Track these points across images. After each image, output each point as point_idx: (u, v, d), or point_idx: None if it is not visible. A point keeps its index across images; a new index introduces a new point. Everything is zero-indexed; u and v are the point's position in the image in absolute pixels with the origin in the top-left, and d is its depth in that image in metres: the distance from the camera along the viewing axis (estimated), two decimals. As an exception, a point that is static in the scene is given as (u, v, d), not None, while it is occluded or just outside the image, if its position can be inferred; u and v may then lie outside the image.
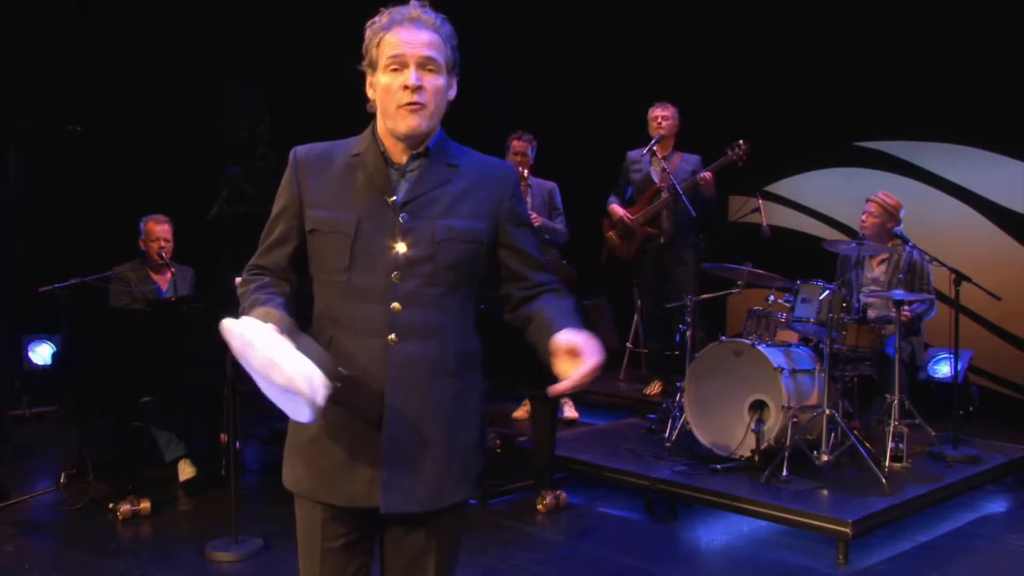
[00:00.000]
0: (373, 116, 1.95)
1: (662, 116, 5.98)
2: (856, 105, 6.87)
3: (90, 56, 6.90)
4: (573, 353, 1.76)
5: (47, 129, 6.80)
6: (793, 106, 7.06)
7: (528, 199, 5.86)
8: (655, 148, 5.87)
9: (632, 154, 6.20)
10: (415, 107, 1.84)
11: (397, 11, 1.88)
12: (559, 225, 5.96)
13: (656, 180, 6.08)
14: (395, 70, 1.85)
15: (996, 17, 6.22)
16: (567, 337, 1.77)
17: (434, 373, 1.88)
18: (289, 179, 1.95)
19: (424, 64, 1.85)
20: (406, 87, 1.83)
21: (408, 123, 1.85)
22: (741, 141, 5.80)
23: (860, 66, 6.77)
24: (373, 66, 1.89)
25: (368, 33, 1.90)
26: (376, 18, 1.90)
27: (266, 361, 1.67)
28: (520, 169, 5.85)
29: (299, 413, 1.74)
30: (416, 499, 1.88)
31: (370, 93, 1.93)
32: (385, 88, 1.86)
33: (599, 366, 1.74)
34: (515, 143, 5.89)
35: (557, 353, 1.78)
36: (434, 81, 1.87)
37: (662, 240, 6.10)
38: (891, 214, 5.17)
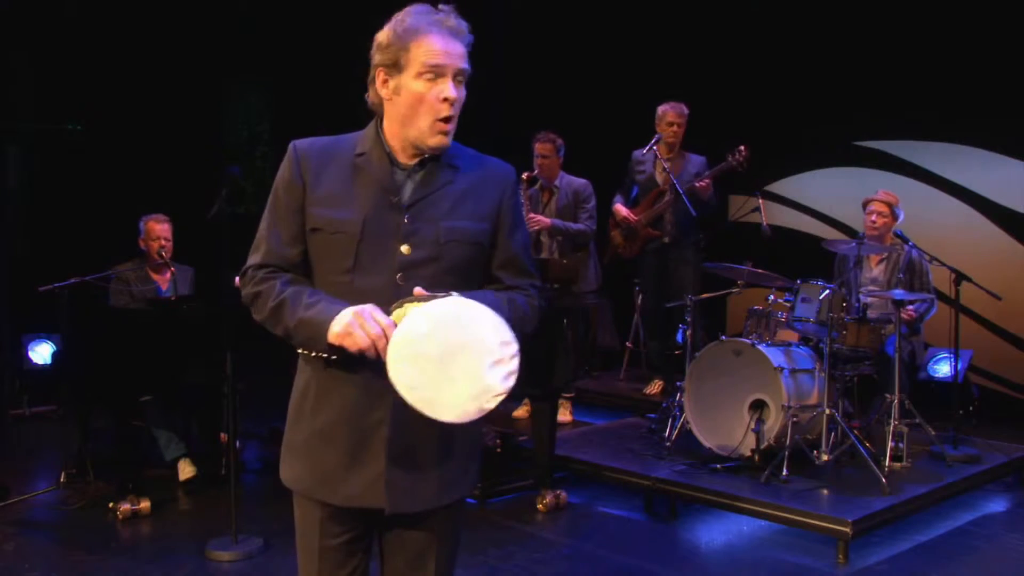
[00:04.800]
0: (373, 113, 1.93)
1: (678, 124, 5.92)
2: (856, 105, 6.86)
3: (90, 56, 6.90)
4: None
5: (47, 129, 6.80)
6: (793, 106, 7.06)
7: (554, 201, 5.86)
8: (656, 149, 5.85)
9: (637, 154, 6.15)
10: (448, 125, 1.84)
11: (428, 14, 1.84)
12: (579, 225, 5.85)
13: (659, 182, 6.06)
14: (430, 79, 1.82)
15: (996, 17, 6.22)
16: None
17: None
18: (291, 174, 1.90)
19: (456, 75, 1.85)
20: (446, 99, 1.82)
21: (439, 141, 1.85)
22: (742, 147, 5.72)
23: (860, 66, 6.76)
24: (398, 68, 1.84)
25: (392, 33, 1.84)
26: (401, 16, 1.85)
27: (475, 336, 1.73)
28: (539, 173, 5.85)
29: (485, 392, 1.73)
30: (419, 498, 1.90)
31: (383, 92, 1.88)
32: (417, 96, 1.83)
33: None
34: (536, 146, 5.84)
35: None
36: (462, 93, 1.87)
37: (665, 240, 6.08)
38: (895, 211, 5.21)
